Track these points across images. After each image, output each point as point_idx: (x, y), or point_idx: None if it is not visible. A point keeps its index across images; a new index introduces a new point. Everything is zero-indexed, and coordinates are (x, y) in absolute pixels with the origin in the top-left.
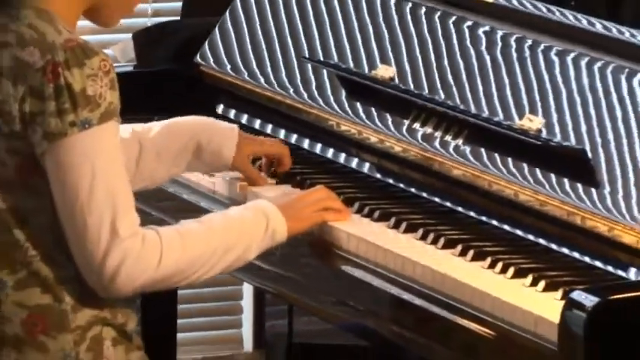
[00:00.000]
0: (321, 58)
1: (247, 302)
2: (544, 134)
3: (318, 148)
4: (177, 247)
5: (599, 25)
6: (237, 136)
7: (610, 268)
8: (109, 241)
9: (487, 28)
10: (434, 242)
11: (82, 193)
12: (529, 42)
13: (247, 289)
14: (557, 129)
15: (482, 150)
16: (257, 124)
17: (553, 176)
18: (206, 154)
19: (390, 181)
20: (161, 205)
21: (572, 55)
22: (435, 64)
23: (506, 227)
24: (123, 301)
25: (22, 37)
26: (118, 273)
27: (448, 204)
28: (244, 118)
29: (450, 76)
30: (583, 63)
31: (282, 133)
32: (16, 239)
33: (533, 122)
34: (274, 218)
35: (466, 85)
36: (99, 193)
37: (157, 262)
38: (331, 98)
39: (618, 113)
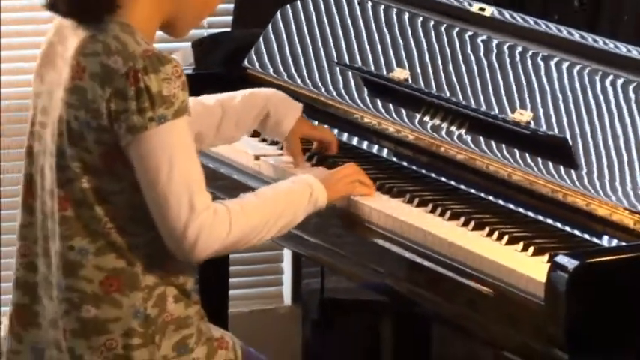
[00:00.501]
0: (348, 62)
1: (287, 264)
2: (532, 125)
3: (344, 137)
4: (241, 217)
5: (576, 35)
6: (299, 113)
7: (587, 236)
8: (188, 216)
9: (485, 37)
10: (441, 215)
11: (163, 177)
12: (519, 49)
13: (287, 254)
14: (543, 121)
15: (481, 138)
16: None
17: (540, 160)
18: (270, 121)
19: (405, 164)
20: (217, 184)
21: (555, 60)
22: (441, 68)
23: (501, 202)
24: (184, 265)
25: (109, 47)
26: (197, 241)
27: (453, 183)
28: None
29: (454, 78)
30: (564, 66)
31: (315, 124)
32: (97, 214)
33: (523, 115)
34: (316, 188)
35: (467, 85)
36: (176, 176)
37: (227, 230)
38: (356, 95)
39: (594, 108)
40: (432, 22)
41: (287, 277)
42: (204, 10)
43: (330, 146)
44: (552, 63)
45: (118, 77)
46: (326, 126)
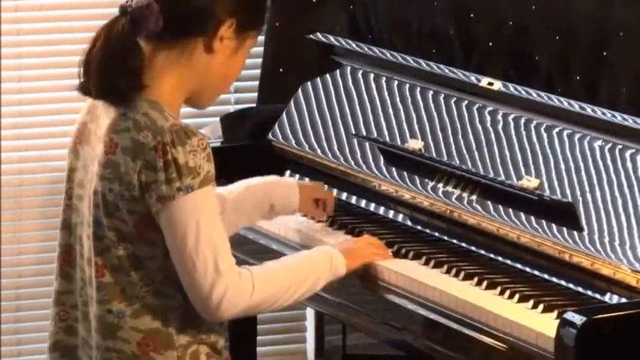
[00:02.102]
0: (365, 134)
1: (310, 322)
2: (539, 191)
3: (363, 203)
4: (264, 281)
5: (577, 106)
6: (298, 189)
7: (592, 294)
8: (214, 278)
9: (493, 109)
10: (456, 275)
11: (190, 242)
12: (526, 120)
13: (310, 312)
14: (549, 187)
15: (491, 203)
16: None
17: (546, 223)
18: (278, 207)
19: (420, 228)
20: (243, 248)
21: (558, 129)
22: (453, 138)
23: (511, 263)
24: (215, 324)
25: (139, 124)
26: (222, 302)
27: (466, 245)
28: (306, 181)
29: (465, 147)
30: (567, 135)
31: (334, 192)
32: (133, 279)
33: (530, 182)
34: (336, 258)
35: (477, 154)
36: (203, 241)
37: (250, 293)
38: (373, 165)
39: (596, 174)
40: (444, 96)
41: (310, 335)
42: (224, 84)
43: (328, 202)
44: (557, 133)
45: (148, 150)
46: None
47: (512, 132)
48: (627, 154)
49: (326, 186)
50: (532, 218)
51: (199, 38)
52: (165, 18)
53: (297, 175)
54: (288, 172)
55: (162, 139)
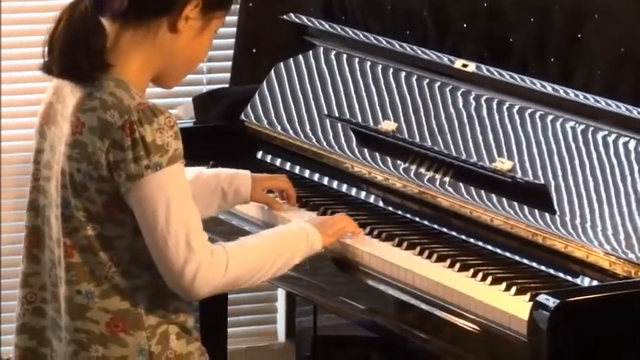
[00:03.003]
0: (338, 115)
1: (281, 303)
2: (512, 173)
3: (335, 184)
4: (239, 257)
5: (550, 88)
6: (249, 178)
7: (565, 277)
8: (186, 255)
9: (467, 91)
10: (428, 257)
11: (161, 220)
12: (500, 102)
13: (281, 293)
14: (522, 169)
15: (465, 185)
16: (287, 166)
17: (520, 205)
18: (229, 196)
19: (393, 209)
20: (216, 229)
21: (531, 111)
22: (426, 119)
23: (484, 245)
24: (184, 304)
25: (105, 103)
26: (195, 279)
27: (438, 227)
28: (278, 162)
29: (439, 129)
30: (541, 118)
31: (307, 172)
32: (102, 259)
33: (504, 164)
34: (312, 233)
35: (451, 136)
36: (173, 218)
37: (225, 269)
38: (346, 146)
39: (569, 156)
40: (417, 77)
41: (281, 316)
42: (190, 64)
43: (287, 192)
44: (531, 115)
45: (115, 130)
46: (283, 175)
47: (486, 114)
48: (600, 136)
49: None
50: (505, 200)
51: (164, 18)
52: None
53: (270, 156)
54: (260, 153)
55: (129, 118)
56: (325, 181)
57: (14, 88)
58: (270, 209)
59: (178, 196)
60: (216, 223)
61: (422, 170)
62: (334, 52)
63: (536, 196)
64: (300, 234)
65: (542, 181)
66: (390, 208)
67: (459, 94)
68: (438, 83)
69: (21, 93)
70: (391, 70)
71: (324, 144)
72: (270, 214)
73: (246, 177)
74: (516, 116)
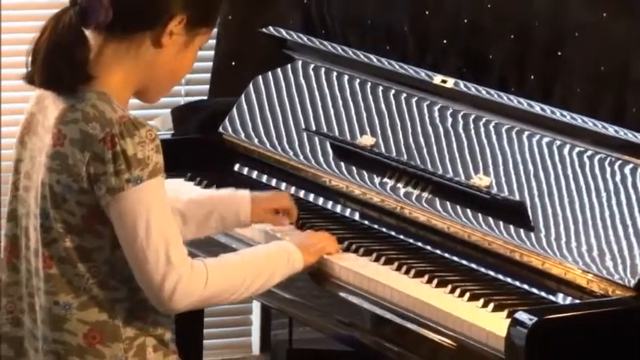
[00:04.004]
0: (316, 129)
1: (256, 315)
2: (491, 190)
3: (312, 197)
4: (219, 273)
5: (527, 105)
6: (249, 201)
7: (543, 294)
8: (165, 269)
9: (446, 107)
10: (406, 272)
11: (141, 233)
12: (478, 118)
13: (256, 305)
14: (500, 186)
15: (443, 201)
16: (264, 178)
17: (498, 222)
18: (228, 220)
19: (371, 224)
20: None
21: (509, 127)
22: (404, 135)
23: (462, 261)
24: (162, 317)
25: (87, 115)
26: (174, 293)
27: (417, 243)
28: (255, 174)
29: (416, 144)
30: (520, 135)
31: (283, 186)
32: (80, 271)
33: (482, 180)
34: (293, 252)
35: (430, 152)
36: (153, 232)
37: (204, 284)
38: (323, 160)
39: (548, 174)
40: (396, 93)
41: (256, 328)
42: (172, 79)
43: (289, 212)
44: (510, 132)
45: (96, 142)
46: (283, 190)
47: (464, 130)
48: (578, 153)
49: (302, 191)
50: (483, 216)
51: (147, 32)
52: (115, 10)
53: (246, 169)
54: (237, 166)
55: (110, 131)
56: (302, 194)
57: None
58: (269, 232)
59: (158, 210)
60: (206, 241)
61: (400, 185)
62: (313, 65)
63: (513, 213)
64: (282, 253)
65: (520, 198)
66: (368, 223)
67: (437, 109)
68: (417, 98)
69: (6, 102)
70: (370, 84)
71: (302, 157)
72: (268, 237)
73: (245, 199)
74: (494, 133)
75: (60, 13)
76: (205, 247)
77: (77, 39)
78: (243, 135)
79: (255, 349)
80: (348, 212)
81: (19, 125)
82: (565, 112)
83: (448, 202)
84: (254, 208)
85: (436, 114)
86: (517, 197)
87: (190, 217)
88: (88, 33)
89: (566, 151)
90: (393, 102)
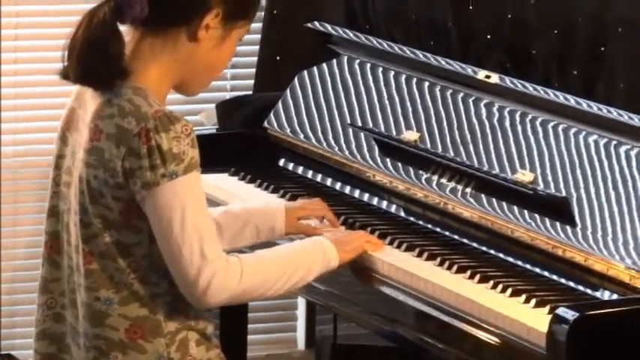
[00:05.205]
0: (361, 124)
1: (301, 311)
2: (534, 185)
3: (357, 193)
4: (254, 268)
5: (573, 101)
6: (283, 212)
7: (585, 290)
8: (200, 263)
9: (489, 102)
10: (448, 268)
11: (176, 228)
12: (522, 113)
13: (301, 301)
14: (544, 181)
15: (486, 197)
16: (310, 174)
17: (540, 218)
18: (262, 233)
19: (414, 220)
20: None
21: (554, 123)
22: (449, 130)
23: (504, 257)
24: (203, 311)
25: (123, 110)
26: (209, 288)
27: (459, 238)
28: (301, 170)
29: (461, 140)
30: (563, 130)
31: (329, 181)
32: (120, 266)
33: (525, 176)
34: (329, 250)
35: (473, 147)
36: (188, 227)
37: (239, 280)
38: (368, 155)
39: (591, 169)
40: (440, 88)
41: (301, 324)
42: (211, 73)
43: (327, 217)
44: (553, 127)
45: (132, 137)
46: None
47: (508, 125)
48: (622, 149)
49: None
50: (526, 212)
51: (183, 26)
52: (150, 5)
53: (292, 164)
54: (282, 161)
55: (145, 126)
56: (347, 190)
57: (30, 92)
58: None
59: (193, 205)
60: None
61: (443, 181)
62: (358, 60)
63: (557, 209)
64: (317, 249)
65: (564, 194)
66: (411, 218)
67: (481, 105)
68: (462, 94)
69: (37, 97)
70: (415, 80)
71: (347, 153)
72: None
73: (280, 212)
74: (538, 128)
75: (95, 8)
76: None
77: (111, 34)
78: (288, 130)
79: (301, 344)
80: (391, 207)
81: (60, 121)
82: (609, 108)
83: (492, 198)
84: (288, 219)
85: (480, 109)
86: (560, 193)
87: (226, 228)
88: (123, 28)
89: (609, 147)
90: (438, 97)
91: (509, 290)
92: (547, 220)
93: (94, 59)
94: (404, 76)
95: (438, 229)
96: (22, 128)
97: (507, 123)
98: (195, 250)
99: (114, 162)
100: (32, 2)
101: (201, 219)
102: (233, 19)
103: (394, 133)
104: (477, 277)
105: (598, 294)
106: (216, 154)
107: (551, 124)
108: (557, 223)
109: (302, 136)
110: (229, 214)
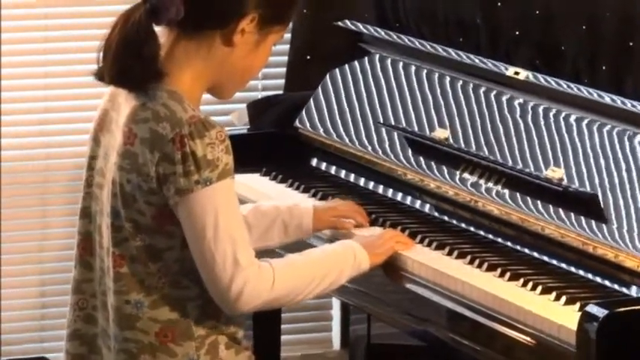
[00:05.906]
0: (392, 123)
1: (336, 311)
2: (564, 182)
3: (389, 192)
4: (285, 274)
5: (603, 97)
6: (311, 211)
7: (616, 287)
8: (233, 270)
9: (519, 99)
10: (479, 266)
11: (209, 235)
12: (552, 110)
13: (335, 302)
14: (574, 178)
15: (516, 194)
16: (342, 174)
17: (571, 214)
18: (290, 229)
19: (445, 218)
20: None
21: (584, 120)
22: (479, 128)
23: (534, 254)
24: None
25: (158, 114)
26: (241, 294)
27: (490, 236)
28: (332, 169)
29: (491, 137)
30: (593, 127)
31: (362, 180)
32: (151, 270)
33: (555, 173)
34: (359, 253)
35: (503, 144)
36: (221, 234)
37: (271, 286)
38: (400, 154)
39: (621, 166)
40: (471, 85)
41: (336, 324)
42: (245, 78)
43: (355, 217)
44: (582, 123)
45: (166, 142)
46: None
47: (538, 122)
48: None
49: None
50: (556, 209)
51: (218, 30)
52: (186, 7)
53: (324, 164)
54: (315, 161)
55: (180, 131)
56: (379, 189)
57: (61, 94)
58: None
59: (227, 211)
60: None
61: (474, 179)
62: (389, 59)
63: (587, 206)
64: (348, 253)
65: (593, 191)
66: (442, 217)
67: (511, 102)
68: (491, 91)
69: (68, 99)
70: (445, 77)
71: (378, 152)
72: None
73: (308, 210)
74: (567, 125)
75: (130, 10)
76: None
77: (146, 36)
78: (320, 129)
79: (336, 344)
80: (422, 206)
81: (93, 122)
82: (638, 103)
83: (521, 195)
84: (316, 219)
85: (509, 106)
86: (590, 189)
87: (254, 225)
88: (159, 30)
89: (639, 142)
90: (468, 95)
91: (540, 288)
92: (577, 217)
93: (129, 60)
94: (435, 74)
95: (469, 227)
96: (50, 130)
97: (536, 119)
98: (228, 257)
99: (147, 167)
100: (62, 4)
101: (235, 225)
102: (269, 24)
103: (425, 131)
104: (507, 274)
105: (628, 291)
106: (247, 154)
107: (580, 119)
108: (587, 220)
109: (334, 135)
110: (258, 211)
